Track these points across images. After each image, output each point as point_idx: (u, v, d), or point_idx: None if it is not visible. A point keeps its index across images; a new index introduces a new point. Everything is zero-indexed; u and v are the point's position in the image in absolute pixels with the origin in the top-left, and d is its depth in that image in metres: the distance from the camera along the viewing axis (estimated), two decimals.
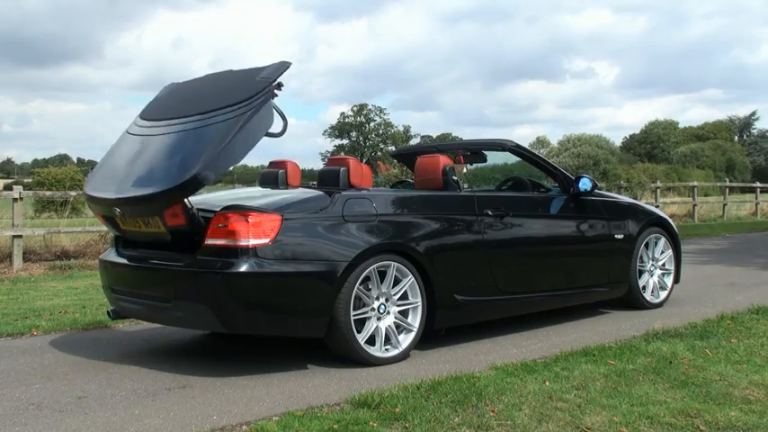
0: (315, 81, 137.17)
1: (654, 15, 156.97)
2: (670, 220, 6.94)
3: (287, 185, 5.59)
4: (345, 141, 77.13)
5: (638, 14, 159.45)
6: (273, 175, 5.61)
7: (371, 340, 4.69)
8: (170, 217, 4.46)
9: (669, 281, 6.74)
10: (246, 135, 4.46)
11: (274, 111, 4.68)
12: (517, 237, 5.57)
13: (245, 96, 4.56)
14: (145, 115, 5.16)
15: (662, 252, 6.68)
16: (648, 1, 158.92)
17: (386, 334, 4.75)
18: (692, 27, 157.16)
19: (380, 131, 76.85)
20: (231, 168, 5.21)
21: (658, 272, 6.67)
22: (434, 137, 74.95)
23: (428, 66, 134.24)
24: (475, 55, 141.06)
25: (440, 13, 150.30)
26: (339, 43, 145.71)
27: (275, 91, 4.65)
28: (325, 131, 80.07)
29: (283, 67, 4.77)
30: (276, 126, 4.71)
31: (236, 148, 4.43)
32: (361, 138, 76.39)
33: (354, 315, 4.58)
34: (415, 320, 4.87)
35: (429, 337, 5.07)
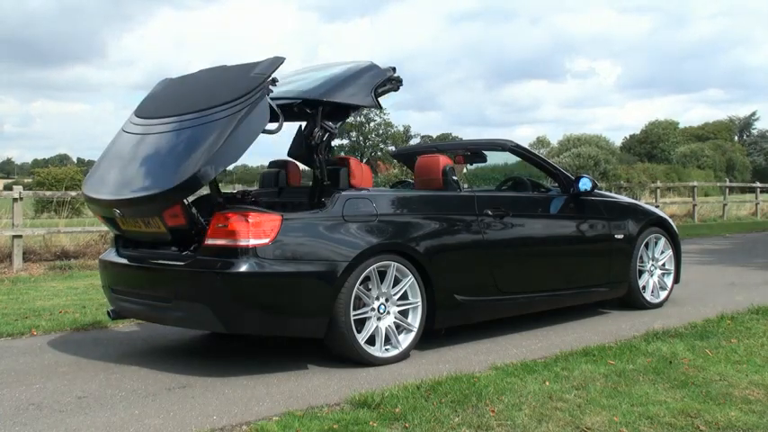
0: None
1: (657, 16, 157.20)
2: (670, 220, 6.94)
3: (287, 185, 5.58)
4: (345, 141, 77.10)
5: (640, 15, 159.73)
6: (273, 175, 5.61)
7: (371, 340, 4.68)
8: (170, 217, 4.46)
9: (669, 281, 6.73)
10: (244, 132, 4.40)
11: (270, 107, 4.65)
12: (517, 237, 5.57)
13: (241, 93, 4.50)
14: (140, 113, 5.11)
15: (662, 252, 6.68)
16: (651, 2, 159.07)
17: (386, 334, 4.75)
18: (694, 28, 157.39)
19: (380, 131, 76.78)
20: (231, 168, 5.22)
21: (658, 272, 6.67)
22: (434, 137, 74.84)
23: (430, 66, 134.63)
24: (477, 55, 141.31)
25: (443, 13, 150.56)
26: (342, 43, 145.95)
27: (270, 87, 4.59)
28: None
29: (277, 62, 4.71)
30: (272, 123, 4.67)
31: (234, 146, 4.37)
32: (361, 138, 76.34)
33: (354, 315, 4.58)
34: (414, 320, 4.87)
35: (429, 337, 5.07)
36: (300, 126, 5.10)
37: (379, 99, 5.02)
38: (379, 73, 5.03)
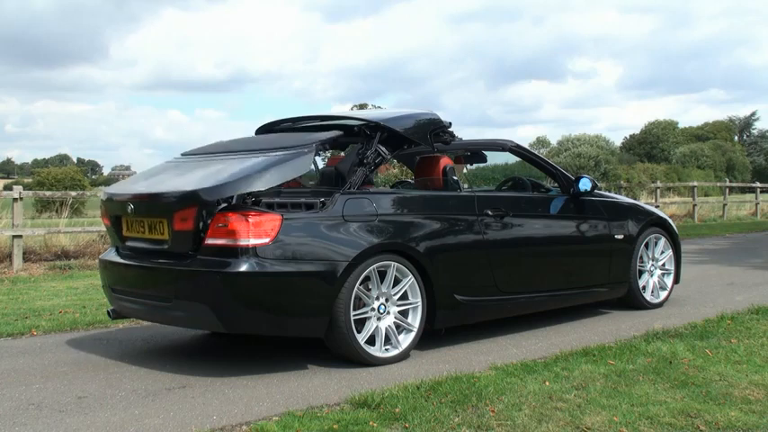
0: (319, 81, 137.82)
1: (658, 16, 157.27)
2: (670, 221, 6.94)
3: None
4: None
5: (642, 16, 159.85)
6: None
7: (371, 340, 4.69)
8: (179, 221, 4.48)
9: (669, 281, 6.74)
10: (280, 170, 4.60)
11: (313, 165, 5.02)
12: (517, 237, 5.57)
13: (291, 144, 4.87)
14: (186, 153, 5.58)
15: (662, 252, 6.68)
16: (653, 2, 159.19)
17: (386, 334, 4.75)
18: (695, 28, 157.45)
19: None
20: None
21: (658, 272, 6.67)
22: None
23: (432, 66, 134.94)
24: (479, 55, 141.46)
25: (446, 13, 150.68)
26: (344, 43, 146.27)
27: (320, 151, 4.99)
28: None
29: (335, 134, 5.08)
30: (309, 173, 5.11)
31: (263, 178, 4.50)
32: None
33: (354, 315, 4.58)
34: (414, 320, 4.87)
35: (429, 337, 5.07)
36: (356, 145, 5.38)
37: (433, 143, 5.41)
38: (437, 121, 5.45)
